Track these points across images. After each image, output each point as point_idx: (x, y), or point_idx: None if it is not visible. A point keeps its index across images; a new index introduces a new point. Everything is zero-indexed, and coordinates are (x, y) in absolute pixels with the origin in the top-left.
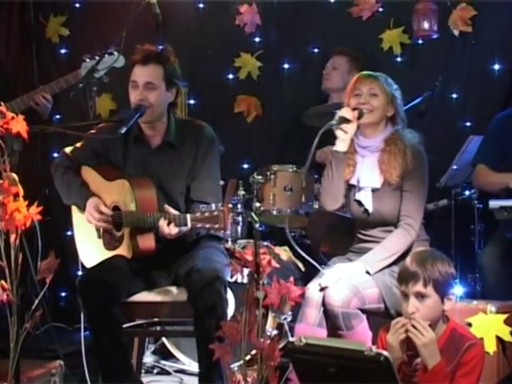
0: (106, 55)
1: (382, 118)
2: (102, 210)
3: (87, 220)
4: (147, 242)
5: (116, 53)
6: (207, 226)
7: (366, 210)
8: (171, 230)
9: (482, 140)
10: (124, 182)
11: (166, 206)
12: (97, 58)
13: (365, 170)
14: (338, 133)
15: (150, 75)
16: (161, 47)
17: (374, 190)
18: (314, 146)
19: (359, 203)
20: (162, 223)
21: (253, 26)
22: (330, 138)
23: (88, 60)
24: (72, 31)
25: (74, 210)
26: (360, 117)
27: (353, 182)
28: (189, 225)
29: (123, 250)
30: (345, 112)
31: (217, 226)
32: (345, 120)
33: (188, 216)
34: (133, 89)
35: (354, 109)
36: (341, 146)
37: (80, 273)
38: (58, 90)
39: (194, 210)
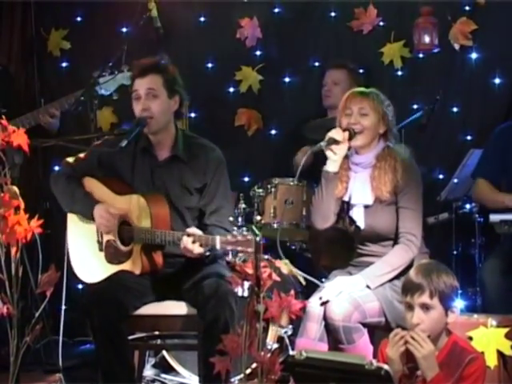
0: (116, 72)
1: (374, 137)
2: (112, 211)
3: (99, 226)
4: (157, 259)
5: (126, 70)
6: (239, 248)
7: (357, 227)
8: (194, 249)
9: (482, 153)
10: (139, 198)
11: (193, 228)
12: (106, 75)
13: (357, 187)
14: (328, 154)
15: (149, 83)
16: (157, 58)
17: (366, 207)
18: (301, 165)
19: (351, 219)
20: (186, 240)
21: (254, 40)
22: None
23: (96, 76)
24: (73, 44)
25: (72, 220)
26: (351, 138)
27: (345, 198)
28: (218, 247)
29: (130, 266)
30: (335, 133)
31: (250, 249)
32: (334, 141)
33: (217, 238)
34: (136, 100)
35: (345, 129)
36: (331, 166)
37: (80, 286)
38: (67, 107)
39: (219, 232)
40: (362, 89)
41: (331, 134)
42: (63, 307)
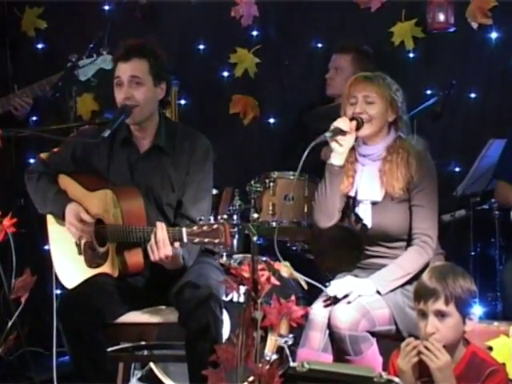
0: (95, 55)
1: (383, 126)
2: (83, 217)
3: (69, 231)
4: (135, 258)
5: (105, 53)
6: (206, 240)
7: (364, 225)
8: (160, 252)
9: (504, 148)
10: (107, 193)
11: (161, 223)
12: (84, 58)
13: (364, 181)
14: (334, 145)
15: (133, 69)
16: (143, 40)
17: (374, 203)
18: (302, 160)
19: (358, 217)
20: (152, 243)
21: (250, 19)
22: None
23: (74, 60)
24: (50, 24)
25: (50, 221)
26: (358, 127)
27: (351, 193)
28: (185, 240)
29: (108, 268)
30: (341, 122)
31: (217, 240)
32: (340, 131)
33: (184, 230)
34: (118, 87)
35: (351, 118)
36: (336, 159)
37: (59, 292)
38: (40, 93)
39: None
40: (366, 73)
41: (337, 123)
42: (55, 318)
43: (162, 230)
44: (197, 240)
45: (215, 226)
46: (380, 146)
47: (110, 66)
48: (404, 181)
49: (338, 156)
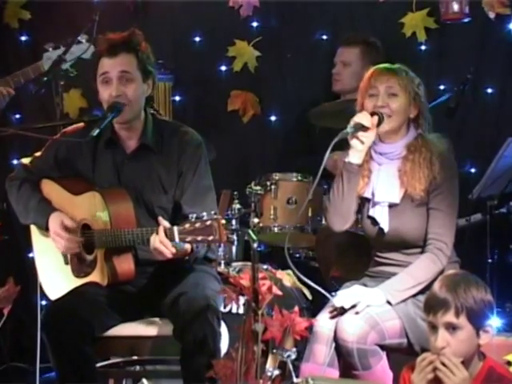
0: (74, 44)
1: (403, 122)
2: (66, 223)
3: (54, 242)
4: (125, 264)
5: (84, 41)
6: (199, 238)
7: (381, 229)
8: (165, 250)
9: None
10: (94, 195)
11: (163, 221)
12: (61, 47)
13: (381, 181)
14: (354, 143)
15: (122, 64)
16: (128, 32)
17: (391, 206)
18: (325, 160)
19: (373, 220)
20: (154, 239)
21: (249, 9)
22: (342, 142)
23: (51, 50)
24: (35, 15)
25: (34, 230)
26: (380, 123)
27: (367, 195)
28: (176, 239)
29: (96, 276)
30: (362, 117)
31: (211, 237)
32: (362, 127)
33: (175, 228)
34: (105, 84)
35: (372, 113)
36: (355, 157)
37: (44, 303)
38: (13, 85)
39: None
40: (387, 65)
41: (358, 118)
42: (39, 330)
43: (162, 233)
44: (189, 239)
45: (208, 223)
46: (399, 144)
47: (89, 56)
48: (426, 182)
49: (357, 154)
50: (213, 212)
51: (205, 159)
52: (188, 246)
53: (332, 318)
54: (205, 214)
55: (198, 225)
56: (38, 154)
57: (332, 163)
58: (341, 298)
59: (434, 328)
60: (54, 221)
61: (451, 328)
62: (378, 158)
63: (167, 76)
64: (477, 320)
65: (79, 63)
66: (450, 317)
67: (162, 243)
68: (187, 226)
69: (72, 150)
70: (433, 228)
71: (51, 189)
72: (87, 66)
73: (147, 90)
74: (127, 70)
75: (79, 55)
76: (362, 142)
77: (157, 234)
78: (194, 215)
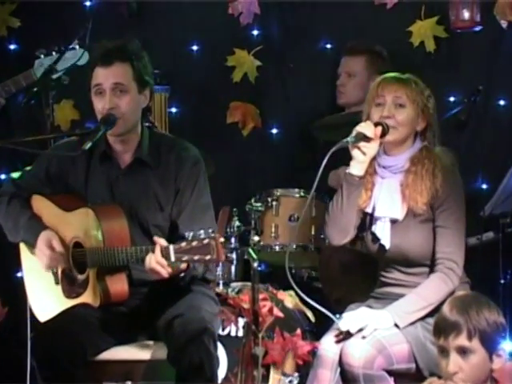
0: (67, 51)
1: (410, 134)
2: (53, 245)
3: (38, 259)
4: (119, 285)
5: (78, 47)
6: (196, 257)
7: (382, 246)
8: (162, 270)
9: None
10: (87, 211)
11: (160, 240)
12: (54, 54)
13: (383, 196)
14: (355, 153)
15: (116, 75)
16: (123, 40)
17: (394, 221)
18: (321, 169)
19: (375, 237)
20: (150, 258)
21: (250, 16)
22: (346, 156)
23: (43, 56)
24: (24, 22)
25: (23, 249)
26: (384, 134)
27: (368, 209)
28: (172, 258)
29: (88, 297)
30: (365, 127)
31: (208, 257)
32: (364, 137)
33: (171, 247)
34: (98, 96)
35: (376, 123)
36: (356, 168)
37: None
38: (4, 95)
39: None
40: (397, 74)
41: (360, 128)
42: (29, 354)
43: (159, 252)
44: (186, 258)
45: (205, 241)
46: (403, 157)
47: (84, 62)
48: (428, 195)
49: (358, 165)
50: (210, 230)
51: (204, 176)
52: (184, 266)
53: (337, 341)
54: (202, 232)
55: (194, 243)
56: (28, 168)
57: (336, 178)
58: (347, 321)
59: (444, 352)
60: (42, 240)
61: (463, 352)
62: (381, 172)
63: (163, 87)
64: (490, 343)
65: (74, 73)
66: (462, 340)
67: (159, 263)
68: (183, 244)
69: (64, 164)
70: (441, 247)
71: (42, 205)
72: (79, 75)
73: (143, 101)
74: (121, 82)
75: (73, 62)
76: (364, 153)
77: (153, 252)
78: (191, 233)
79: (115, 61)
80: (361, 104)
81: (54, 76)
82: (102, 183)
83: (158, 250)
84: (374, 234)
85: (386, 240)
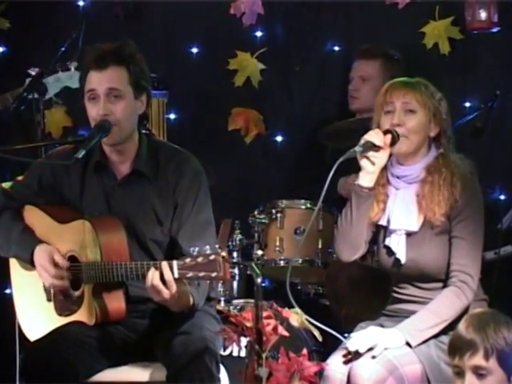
0: (60, 71)
1: (423, 142)
2: (56, 259)
3: (41, 277)
4: (116, 302)
5: (73, 68)
6: (201, 274)
7: (397, 260)
8: (163, 291)
9: None
10: (83, 223)
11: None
12: (45, 75)
13: (398, 208)
14: (364, 163)
15: (111, 79)
16: (119, 43)
17: (409, 234)
18: (328, 180)
19: (389, 250)
20: (153, 275)
21: (253, 17)
22: (356, 164)
23: (34, 74)
24: (14, 23)
25: (13, 263)
26: (394, 142)
27: (382, 222)
28: (176, 275)
29: (83, 315)
30: (373, 136)
31: (214, 274)
32: (373, 146)
33: (174, 263)
34: (92, 101)
35: (386, 131)
36: (366, 179)
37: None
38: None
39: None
40: (405, 78)
41: (369, 136)
42: (17, 375)
43: (167, 268)
44: (190, 274)
45: (212, 257)
46: (418, 167)
47: (76, 85)
48: (446, 206)
49: (367, 176)
50: (217, 246)
51: (204, 189)
52: (190, 299)
53: (345, 361)
54: (208, 247)
55: (200, 259)
56: (19, 178)
57: (347, 187)
58: (355, 340)
59: (459, 373)
60: (42, 255)
61: (479, 373)
62: (395, 182)
63: (161, 91)
64: (508, 364)
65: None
66: (478, 360)
67: (167, 282)
68: (188, 260)
69: (58, 174)
70: (456, 259)
71: (35, 216)
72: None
73: (140, 107)
74: (115, 87)
75: (66, 84)
76: (373, 163)
77: (156, 269)
78: (196, 248)
79: (110, 64)
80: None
81: (46, 96)
82: (97, 195)
83: (166, 266)
84: (388, 248)
85: (401, 254)
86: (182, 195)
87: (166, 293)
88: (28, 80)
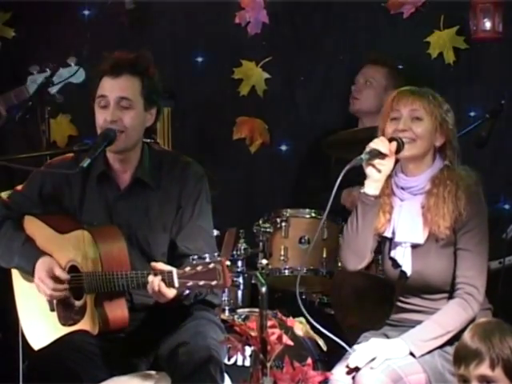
0: (61, 67)
1: (429, 150)
2: (57, 273)
3: (39, 290)
4: (118, 311)
5: (73, 64)
6: (201, 283)
7: (403, 272)
8: (167, 292)
9: None
10: (83, 233)
11: (159, 263)
12: (48, 70)
13: (403, 220)
14: (370, 171)
15: (123, 88)
16: (136, 53)
17: (415, 246)
18: (334, 189)
19: (395, 262)
20: (154, 280)
21: (258, 26)
22: (360, 176)
23: (36, 73)
24: (19, 32)
25: (15, 273)
26: (399, 150)
27: (387, 234)
28: (176, 284)
29: (86, 324)
30: (379, 143)
31: (214, 282)
32: (379, 154)
33: (174, 272)
34: (102, 108)
35: (391, 139)
36: (371, 187)
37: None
38: None
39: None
40: (413, 87)
41: (374, 144)
42: None
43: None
44: (190, 283)
45: (211, 266)
46: (423, 177)
47: (80, 80)
48: (451, 219)
49: (373, 184)
50: (216, 254)
51: (206, 195)
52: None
53: (350, 371)
54: (207, 255)
55: (199, 268)
56: (18, 187)
57: (350, 200)
58: (356, 356)
59: (465, 382)
60: (41, 268)
61: (485, 382)
62: (399, 193)
63: (166, 100)
64: None
65: (68, 88)
66: (484, 369)
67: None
68: (188, 269)
69: (58, 184)
70: (461, 271)
71: (35, 226)
72: (76, 89)
73: (149, 120)
74: (127, 97)
75: (67, 78)
76: (379, 171)
77: (155, 275)
78: (196, 257)
79: (124, 73)
80: (372, 116)
81: (50, 92)
82: (99, 206)
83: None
84: (393, 260)
85: (407, 266)
86: (184, 199)
87: (169, 294)
88: (29, 78)
